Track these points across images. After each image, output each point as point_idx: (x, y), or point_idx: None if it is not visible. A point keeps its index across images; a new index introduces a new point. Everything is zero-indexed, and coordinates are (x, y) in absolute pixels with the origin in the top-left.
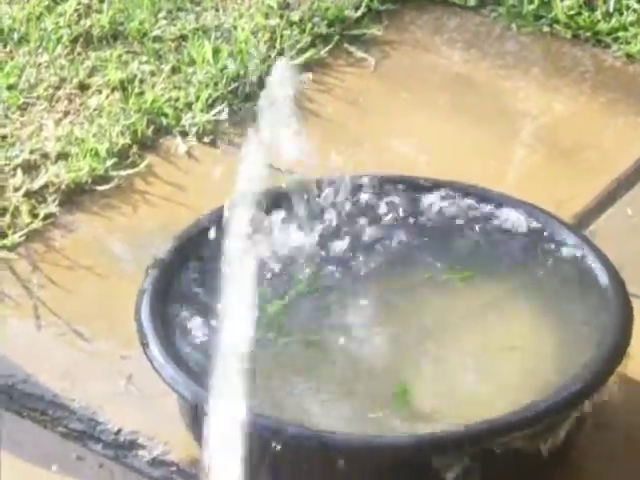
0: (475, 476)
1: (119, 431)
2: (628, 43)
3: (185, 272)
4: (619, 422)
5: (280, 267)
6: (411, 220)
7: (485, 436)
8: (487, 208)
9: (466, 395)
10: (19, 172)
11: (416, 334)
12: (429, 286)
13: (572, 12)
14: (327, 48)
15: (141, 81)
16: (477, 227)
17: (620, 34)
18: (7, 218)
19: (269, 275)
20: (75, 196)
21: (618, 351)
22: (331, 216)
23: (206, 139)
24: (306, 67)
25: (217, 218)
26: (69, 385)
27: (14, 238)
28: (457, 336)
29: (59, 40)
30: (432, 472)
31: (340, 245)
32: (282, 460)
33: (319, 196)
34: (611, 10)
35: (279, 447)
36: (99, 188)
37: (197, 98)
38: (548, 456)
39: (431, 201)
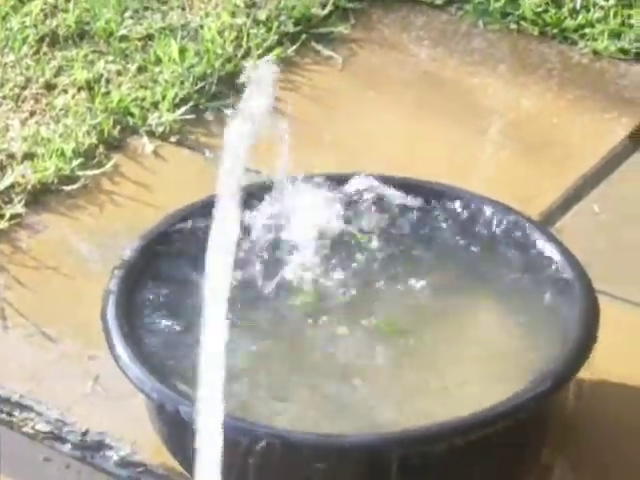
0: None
1: (86, 432)
2: (595, 40)
3: (151, 272)
4: (587, 419)
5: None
6: (376, 219)
7: (433, 438)
8: (453, 205)
9: (426, 395)
10: None
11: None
12: (389, 285)
13: (539, 9)
14: (294, 47)
15: (107, 81)
16: (443, 224)
17: (587, 31)
18: None
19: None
20: (41, 196)
21: (584, 348)
22: (294, 215)
23: (173, 138)
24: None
25: (184, 217)
26: (36, 386)
27: None
28: (419, 334)
29: (25, 40)
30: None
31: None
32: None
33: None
34: (578, 7)
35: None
36: (65, 188)
37: (163, 97)
38: (517, 455)
39: (397, 198)
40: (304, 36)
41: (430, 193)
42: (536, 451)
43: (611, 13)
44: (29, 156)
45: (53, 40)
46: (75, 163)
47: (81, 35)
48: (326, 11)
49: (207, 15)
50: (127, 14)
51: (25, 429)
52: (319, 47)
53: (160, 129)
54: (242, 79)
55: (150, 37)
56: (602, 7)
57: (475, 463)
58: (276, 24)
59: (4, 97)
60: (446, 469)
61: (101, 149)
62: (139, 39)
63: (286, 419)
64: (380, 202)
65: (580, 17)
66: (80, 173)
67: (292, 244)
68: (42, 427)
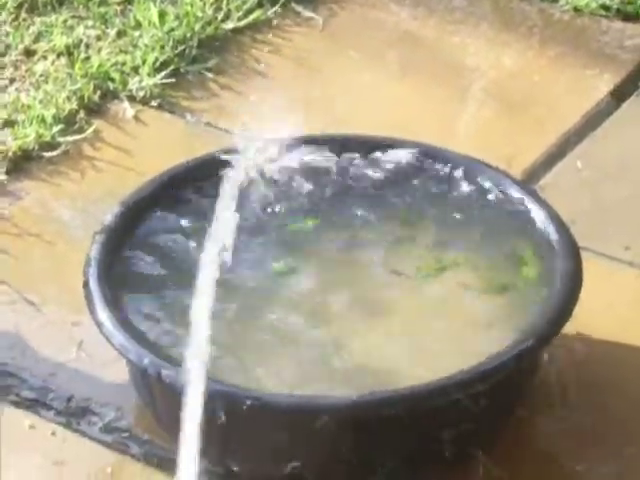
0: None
1: (71, 398)
2: None
3: (132, 237)
4: (569, 375)
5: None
6: (357, 179)
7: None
8: (434, 165)
9: (414, 352)
10: None
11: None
12: (375, 243)
13: None
14: (274, 9)
15: (87, 46)
16: (426, 184)
17: None
18: None
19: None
20: (22, 163)
21: (567, 305)
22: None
23: (153, 103)
24: (254, 28)
25: (165, 181)
26: (20, 353)
27: None
28: (404, 293)
29: (3, 6)
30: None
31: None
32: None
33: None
34: None
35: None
36: (46, 155)
37: (144, 62)
38: (498, 411)
39: (380, 159)
40: None
41: (415, 152)
42: (516, 406)
43: None
44: (9, 123)
45: (32, 6)
46: (56, 129)
47: (60, 0)
48: None
49: None
50: None
51: (10, 396)
52: (299, 8)
53: (141, 93)
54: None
55: (129, 1)
56: None
57: (457, 420)
58: None
59: None
60: (430, 426)
61: (82, 115)
62: (118, 3)
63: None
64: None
65: None
66: (61, 139)
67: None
68: (27, 394)
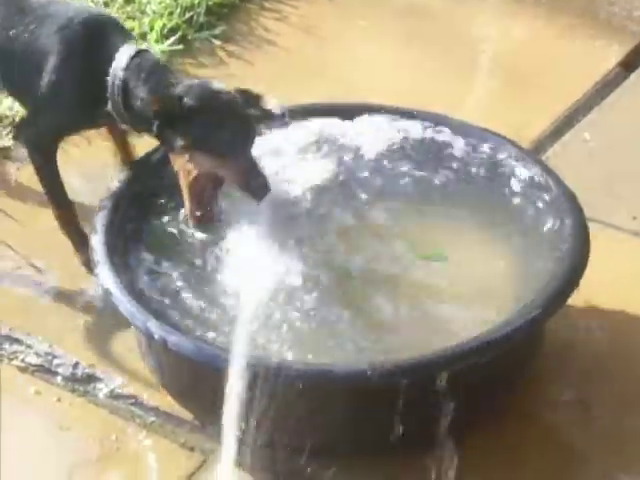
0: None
1: (76, 364)
2: None
3: (138, 204)
4: (576, 343)
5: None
6: (363, 147)
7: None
8: (443, 135)
9: (427, 320)
10: None
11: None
12: (385, 213)
13: None
14: None
15: None
16: (434, 154)
17: None
18: None
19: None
20: None
21: (575, 275)
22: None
23: None
24: None
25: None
26: (25, 319)
27: None
28: (417, 267)
29: None
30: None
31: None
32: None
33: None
34: None
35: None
36: None
37: (152, 28)
38: (508, 375)
39: (389, 127)
40: None
41: (426, 122)
42: (525, 369)
43: None
44: None
45: None
46: None
47: None
48: None
49: None
50: None
51: (15, 362)
52: None
53: None
54: None
55: None
56: None
57: (471, 384)
58: None
59: None
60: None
61: None
62: None
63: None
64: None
65: None
66: None
67: None
68: (32, 360)
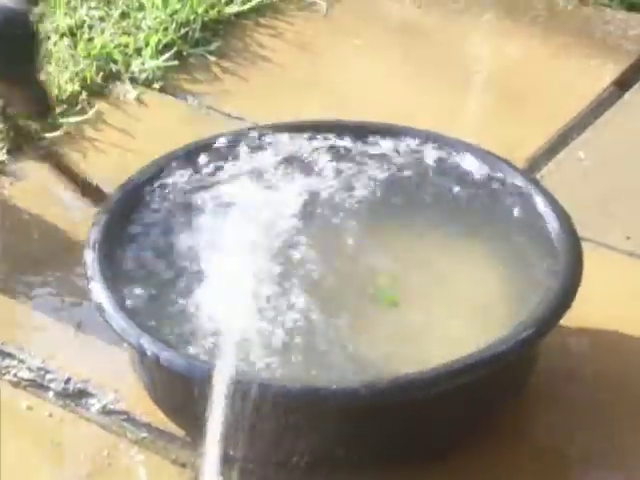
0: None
1: (69, 380)
2: None
3: (132, 219)
4: (568, 364)
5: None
6: (362, 166)
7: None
8: (438, 153)
9: (413, 339)
10: None
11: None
12: (381, 230)
13: None
14: None
15: (90, 27)
16: (429, 172)
17: None
18: None
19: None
20: (24, 144)
21: (568, 295)
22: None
23: (156, 85)
24: (257, 12)
25: (166, 164)
26: (18, 333)
27: None
28: (408, 278)
29: None
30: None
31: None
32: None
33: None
34: None
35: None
36: (48, 135)
37: (147, 44)
38: (498, 397)
39: (383, 146)
40: None
41: (414, 139)
42: (516, 392)
43: None
44: None
45: None
46: (58, 110)
47: None
48: None
49: None
50: None
51: (7, 377)
52: None
53: (143, 76)
54: None
55: None
56: None
57: (458, 405)
58: None
59: None
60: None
61: (84, 96)
62: None
63: None
64: (364, 149)
65: None
66: (63, 120)
67: None
68: (24, 375)
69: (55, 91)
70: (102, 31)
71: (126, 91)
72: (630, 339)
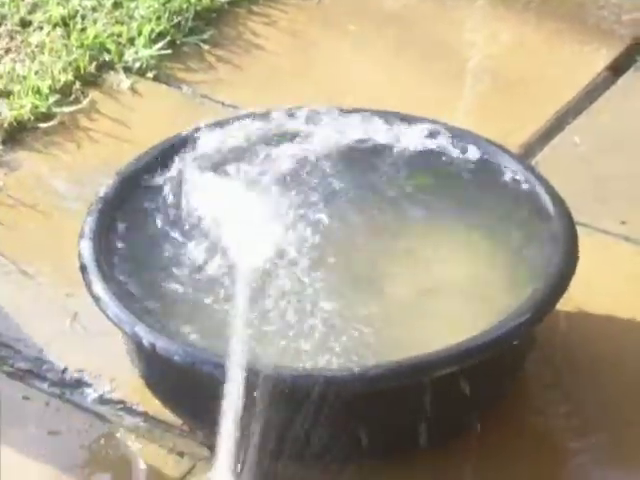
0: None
1: (65, 369)
2: None
3: (127, 209)
4: (563, 350)
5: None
6: (357, 151)
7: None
8: (434, 139)
9: (412, 326)
10: None
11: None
12: (377, 214)
13: None
14: None
15: (83, 17)
16: (425, 158)
17: None
18: None
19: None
20: (17, 134)
21: (563, 281)
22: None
23: (149, 74)
24: (250, 0)
25: (160, 153)
26: (14, 324)
27: None
28: (403, 266)
29: None
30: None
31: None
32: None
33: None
34: None
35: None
36: (42, 125)
37: (140, 33)
38: (499, 382)
39: (379, 132)
40: None
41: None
42: (512, 380)
43: None
44: (5, 93)
45: None
46: (51, 100)
47: None
48: None
49: None
50: None
51: (4, 367)
52: None
53: (137, 65)
54: None
55: None
56: None
57: (456, 391)
58: None
59: None
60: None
61: (77, 85)
62: None
63: None
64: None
65: None
66: (56, 110)
67: None
68: (21, 365)
69: (49, 81)
70: (95, 21)
71: (120, 80)
72: (626, 322)
